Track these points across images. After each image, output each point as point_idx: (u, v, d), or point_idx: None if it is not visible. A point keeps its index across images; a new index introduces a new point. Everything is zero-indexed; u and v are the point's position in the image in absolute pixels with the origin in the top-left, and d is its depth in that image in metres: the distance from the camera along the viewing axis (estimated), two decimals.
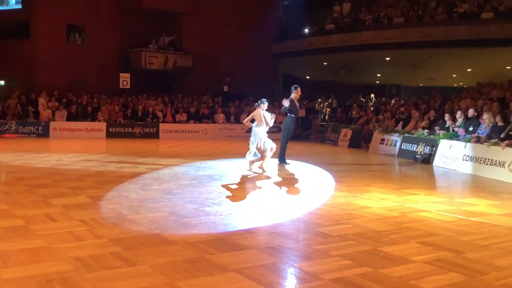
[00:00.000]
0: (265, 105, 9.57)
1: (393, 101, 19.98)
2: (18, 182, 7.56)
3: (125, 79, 20.52)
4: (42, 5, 20.37)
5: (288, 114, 10.76)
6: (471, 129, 11.52)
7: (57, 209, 5.62)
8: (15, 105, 18.79)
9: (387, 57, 21.80)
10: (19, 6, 20.43)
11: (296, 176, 9.32)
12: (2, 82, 21.33)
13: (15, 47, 20.54)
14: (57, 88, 20.02)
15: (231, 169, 9.98)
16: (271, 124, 9.53)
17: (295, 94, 10.71)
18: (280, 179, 8.89)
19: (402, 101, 21.15)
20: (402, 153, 13.66)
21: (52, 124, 18.60)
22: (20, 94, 19.37)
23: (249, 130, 9.75)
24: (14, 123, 18.07)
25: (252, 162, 9.49)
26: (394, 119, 16.49)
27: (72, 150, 13.91)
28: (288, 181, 8.68)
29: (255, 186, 8.09)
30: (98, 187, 7.28)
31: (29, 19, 20.51)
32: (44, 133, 18.31)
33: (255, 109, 9.82)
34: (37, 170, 9.06)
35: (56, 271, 3.55)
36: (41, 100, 19.13)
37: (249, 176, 8.97)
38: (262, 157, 9.37)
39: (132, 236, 4.54)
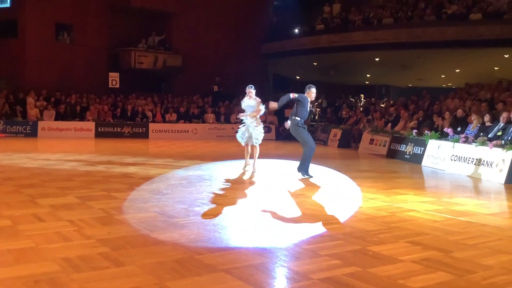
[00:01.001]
0: (247, 90, 9.37)
1: (383, 105, 20.06)
2: (5, 182, 7.48)
3: (114, 78, 20.42)
4: (30, 3, 20.21)
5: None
6: (459, 129, 11.61)
7: (45, 209, 5.57)
8: (2, 104, 18.63)
9: (377, 58, 21.91)
10: (7, 5, 20.25)
11: (286, 177, 9.32)
12: None
13: (3, 46, 20.36)
14: (46, 87, 19.87)
15: (221, 169, 9.97)
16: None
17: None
18: (270, 179, 8.89)
19: (392, 101, 21.27)
20: (391, 153, 13.73)
21: (40, 124, 18.46)
22: (8, 93, 19.21)
23: None
24: (2, 122, 17.91)
25: (246, 164, 9.48)
26: (383, 119, 16.58)
27: (61, 150, 13.81)
28: (278, 182, 8.67)
29: (245, 187, 8.08)
30: (87, 187, 7.24)
31: (17, 17, 20.33)
32: (32, 133, 18.17)
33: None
34: (24, 170, 8.98)
35: (43, 272, 3.52)
36: (29, 100, 18.98)
37: (239, 176, 8.94)
38: (252, 153, 9.38)
39: (120, 237, 4.52)
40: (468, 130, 11.27)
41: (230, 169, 9.85)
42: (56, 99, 19.76)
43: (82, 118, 19.42)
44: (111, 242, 4.32)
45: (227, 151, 14.73)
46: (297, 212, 6.01)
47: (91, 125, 19.16)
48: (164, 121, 20.47)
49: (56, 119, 18.99)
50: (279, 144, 18.12)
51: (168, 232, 4.77)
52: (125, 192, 6.88)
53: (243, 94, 9.53)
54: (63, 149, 13.86)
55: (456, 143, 10.80)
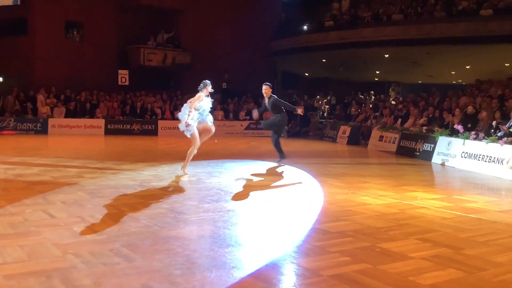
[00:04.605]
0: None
1: (393, 101, 19.89)
2: (17, 179, 7.55)
3: (123, 75, 20.50)
4: (40, 1, 20.31)
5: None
6: (469, 126, 11.53)
7: (56, 206, 5.62)
8: (13, 102, 18.77)
9: (386, 54, 21.80)
10: (17, 2, 20.36)
11: (295, 174, 9.31)
12: (0, 79, 21.29)
13: (13, 43, 20.49)
14: (55, 85, 19.99)
15: (229, 166, 9.98)
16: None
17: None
18: (278, 177, 8.90)
19: (401, 98, 21.15)
20: (401, 150, 13.67)
21: (51, 121, 18.59)
22: (18, 90, 19.36)
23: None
24: (13, 119, 18.05)
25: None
26: (393, 116, 16.51)
27: (71, 146, 13.91)
28: (287, 179, 8.68)
29: (254, 184, 8.08)
30: (97, 183, 7.28)
31: (27, 15, 20.45)
32: (43, 130, 18.30)
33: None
34: (35, 166, 9.05)
35: (55, 268, 3.55)
36: (40, 97, 19.12)
37: (244, 174, 8.94)
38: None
39: (131, 233, 4.54)
40: (479, 127, 11.17)
41: (239, 166, 9.86)
42: (66, 96, 19.89)
43: (92, 115, 19.53)
44: (122, 238, 4.35)
45: (236, 148, 14.74)
46: (306, 209, 6.01)
47: (100, 122, 19.26)
48: (173, 118, 20.49)
49: (66, 116, 19.13)
50: (288, 141, 18.10)
51: (178, 229, 4.79)
52: (134, 189, 6.91)
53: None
54: (74, 146, 13.95)
55: (466, 140, 10.73)
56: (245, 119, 20.89)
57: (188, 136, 8.37)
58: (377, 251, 4.21)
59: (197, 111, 8.33)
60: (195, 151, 8.48)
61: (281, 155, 10.38)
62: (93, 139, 16.95)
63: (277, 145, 10.36)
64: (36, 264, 3.62)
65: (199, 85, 8.51)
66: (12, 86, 19.59)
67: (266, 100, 10.31)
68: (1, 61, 20.29)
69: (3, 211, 5.30)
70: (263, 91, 10.31)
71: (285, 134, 18.18)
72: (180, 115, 8.37)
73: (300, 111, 10.77)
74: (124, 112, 20.17)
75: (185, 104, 8.40)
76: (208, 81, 8.58)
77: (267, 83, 10.38)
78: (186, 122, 8.09)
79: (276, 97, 10.27)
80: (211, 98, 8.73)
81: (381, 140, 15.16)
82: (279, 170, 9.60)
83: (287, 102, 10.34)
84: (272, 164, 10.20)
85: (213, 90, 8.57)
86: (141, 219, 5.09)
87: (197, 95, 8.36)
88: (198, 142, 8.43)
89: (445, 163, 11.21)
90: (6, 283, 3.25)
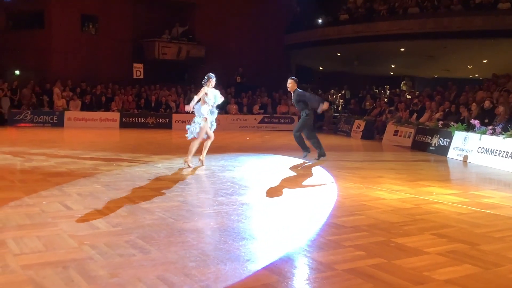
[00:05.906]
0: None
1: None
2: (34, 171, 7.65)
3: (138, 69, 20.60)
4: None
5: None
6: (486, 121, 11.40)
7: (72, 198, 5.68)
8: (30, 95, 18.98)
9: (402, 48, 21.60)
10: None
11: (309, 168, 9.30)
12: (17, 72, 21.54)
13: (30, 37, 20.71)
14: (71, 78, 20.18)
15: (243, 160, 10.00)
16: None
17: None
18: (292, 171, 8.89)
19: (417, 92, 20.96)
20: (416, 145, 13.56)
21: (67, 114, 18.78)
22: (35, 83, 19.57)
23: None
24: (29, 112, 18.27)
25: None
26: (408, 110, 16.38)
27: (87, 139, 14.04)
28: (301, 173, 8.66)
29: (268, 177, 8.09)
30: (112, 176, 7.35)
31: (44, 9, 20.65)
32: (59, 123, 18.50)
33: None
34: (52, 159, 9.15)
35: (72, 258, 3.59)
36: (56, 90, 19.32)
37: (258, 168, 8.95)
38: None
39: (146, 225, 4.58)
40: (495, 121, 11.04)
41: (253, 159, 9.86)
42: (81, 89, 20.08)
43: (107, 108, 19.69)
44: (137, 230, 4.39)
45: (250, 142, 14.76)
46: (320, 203, 6.00)
47: (116, 115, 19.41)
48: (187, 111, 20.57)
49: (82, 109, 19.32)
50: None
51: (193, 221, 4.81)
52: (149, 181, 6.96)
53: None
54: (89, 139, 14.07)
55: (483, 135, 10.61)
56: (259, 113, 20.90)
57: (194, 134, 8.42)
58: (392, 246, 4.19)
59: (208, 105, 8.43)
60: (197, 145, 8.52)
61: (305, 150, 10.26)
62: (108, 132, 17.09)
63: (301, 142, 10.21)
64: (53, 255, 3.67)
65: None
66: (28, 79, 19.81)
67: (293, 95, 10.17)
68: (18, 54, 20.53)
69: (21, 202, 5.37)
70: (287, 86, 10.21)
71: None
72: (196, 110, 8.52)
73: (324, 106, 9.94)
74: (139, 106, 20.30)
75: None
76: (211, 74, 8.63)
77: (291, 77, 10.24)
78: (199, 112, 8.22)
79: (300, 91, 10.09)
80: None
81: (396, 135, 15.06)
82: (293, 164, 9.59)
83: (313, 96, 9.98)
84: (285, 158, 10.19)
85: (213, 78, 8.63)
86: (156, 211, 5.13)
87: (201, 89, 8.44)
88: (202, 136, 8.56)
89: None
90: (23, 273, 3.30)
